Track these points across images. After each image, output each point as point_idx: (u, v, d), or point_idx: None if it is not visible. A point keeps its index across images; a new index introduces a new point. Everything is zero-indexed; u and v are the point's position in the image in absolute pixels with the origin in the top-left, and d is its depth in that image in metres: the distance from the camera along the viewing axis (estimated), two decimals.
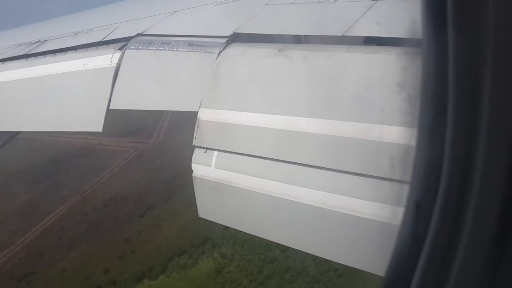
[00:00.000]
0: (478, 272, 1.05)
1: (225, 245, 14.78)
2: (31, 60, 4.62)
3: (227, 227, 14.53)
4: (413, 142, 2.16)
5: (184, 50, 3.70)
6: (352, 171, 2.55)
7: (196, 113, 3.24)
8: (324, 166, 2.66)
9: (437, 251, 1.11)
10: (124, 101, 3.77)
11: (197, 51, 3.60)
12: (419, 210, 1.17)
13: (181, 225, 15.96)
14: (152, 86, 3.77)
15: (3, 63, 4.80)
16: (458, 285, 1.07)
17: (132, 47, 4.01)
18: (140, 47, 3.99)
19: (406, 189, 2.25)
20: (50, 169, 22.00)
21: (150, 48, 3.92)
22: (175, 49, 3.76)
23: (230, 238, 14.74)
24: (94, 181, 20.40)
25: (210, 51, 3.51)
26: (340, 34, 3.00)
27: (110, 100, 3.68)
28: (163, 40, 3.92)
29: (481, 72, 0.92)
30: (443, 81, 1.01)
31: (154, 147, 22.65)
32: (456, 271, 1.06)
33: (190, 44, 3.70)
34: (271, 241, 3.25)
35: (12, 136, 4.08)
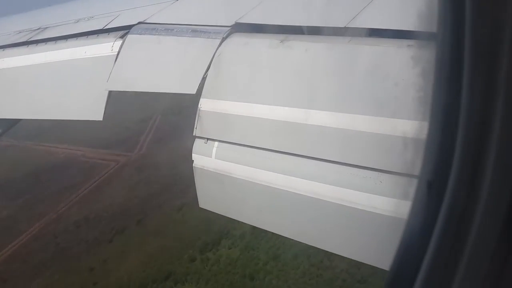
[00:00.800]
0: (492, 252, 1.03)
1: (188, 282, 13.78)
2: (32, 47, 4.60)
3: (193, 260, 14.33)
4: (417, 135, 2.16)
5: (187, 36, 3.68)
6: (353, 163, 2.54)
7: (196, 104, 3.23)
8: (325, 158, 2.66)
9: (449, 232, 1.09)
10: (122, 83, 3.76)
11: (200, 37, 3.58)
12: (431, 189, 1.15)
13: (148, 255, 15.19)
14: (151, 68, 3.76)
15: (3, 50, 4.78)
16: (471, 266, 1.05)
17: (134, 33, 4.00)
18: (143, 32, 3.98)
19: (407, 182, 2.25)
20: (30, 182, 21.12)
21: (153, 33, 3.90)
22: (178, 35, 3.74)
23: (195, 274, 13.99)
24: (71, 198, 19.55)
25: (214, 37, 3.49)
26: (343, 26, 2.98)
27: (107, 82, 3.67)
28: (166, 27, 3.90)
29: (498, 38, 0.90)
30: (456, 64, 0.99)
31: (135, 161, 21.94)
32: (470, 250, 1.04)
33: (194, 31, 3.68)
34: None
35: (12, 123, 4.05)
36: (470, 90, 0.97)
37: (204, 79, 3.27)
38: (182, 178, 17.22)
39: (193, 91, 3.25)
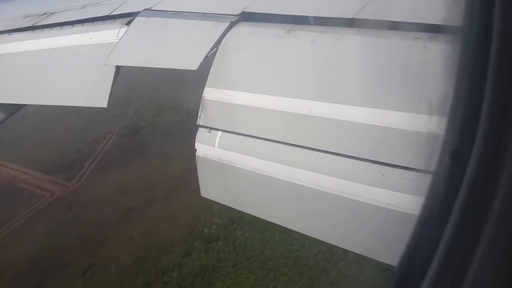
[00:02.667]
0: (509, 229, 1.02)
1: None
2: (37, 32, 4.59)
3: None
4: (419, 129, 2.14)
5: (195, 19, 3.69)
6: (356, 156, 2.53)
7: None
8: (328, 150, 2.65)
9: (472, 202, 1.07)
10: (122, 58, 3.76)
11: (209, 21, 3.58)
12: (455, 160, 1.13)
13: None
14: (155, 45, 3.77)
15: (9, 34, 4.77)
16: (494, 236, 1.03)
17: (142, 16, 4.00)
18: (151, 15, 3.97)
19: (409, 176, 2.23)
20: None
21: (162, 16, 3.91)
22: (186, 18, 3.74)
23: None
24: None
25: (222, 21, 3.49)
26: (350, 17, 2.95)
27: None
28: (175, 12, 3.89)
29: None
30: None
31: (69, 195, 19.86)
32: (490, 230, 1.02)
33: (204, 15, 3.68)
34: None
35: (17, 108, 4.05)
36: (495, 60, 0.95)
37: (207, 58, 3.25)
38: (104, 226, 16.43)
39: (194, 67, 3.23)
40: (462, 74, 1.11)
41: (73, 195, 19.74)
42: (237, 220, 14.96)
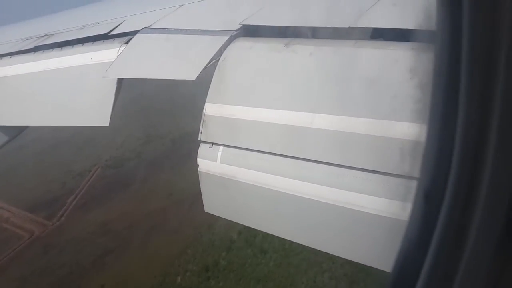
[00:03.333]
0: (488, 265, 1.04)
1: None
2: (38, 54, 4.64)
3: None
4: (419, 138, 2.14)
5: (195, 34, 3.74)
6: (358, 167, 2.53)
7: (203, 108, 3.24)
8: (330, 162, 2.65)
9: (446, 242, 1.09)
10: (122, 70, 3.78)
11: (208, 35, 3.63)
12: (428, 201, 1.16)
13: None
14: (154, 58, 3.81)
15: (10, 57, 4.82)
16: (467, 277, 1.05)
17: (143, 32, 4.05)
18: (152, 32, 4.02)
19: (410, 184, 2.23)
20: None
21: (163, 32, 3.96)
22: (186, 34, 3.79)
23: None
24: None
25: (221, 34, 3.54)
26: (347, 26, 2.97)
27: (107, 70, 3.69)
28: (174, 30, 3.94)
29: (493, 64, 0.90)
30: (455, 72, 0.99)
31: (48, 235, 19.07)
32: (466, 261, 1.04)
33: (203, 30, 3.73)
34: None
35: (19, 130, 4.08)
36: (467, 100, 0.97)
37: (206, 69, 3.27)
38: (77, 272, 15.84)
39: (193, 77, 3.24)
40: (432, 119, 1.15)
41: (51, 236, 18.99)
42: (212, 267, 14.32)
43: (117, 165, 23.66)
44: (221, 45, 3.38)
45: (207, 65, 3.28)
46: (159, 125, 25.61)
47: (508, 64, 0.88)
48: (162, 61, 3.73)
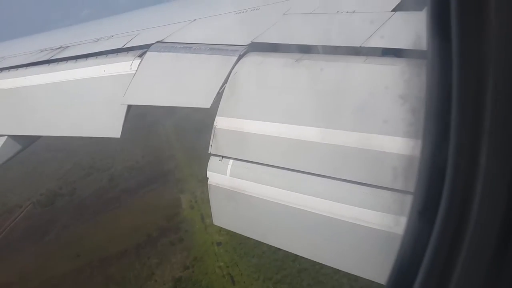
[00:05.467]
0: (480, 280, 1.05)
1: None
2: (53, 65, 4.73)
3: None
4: (418, 153, 2.16)
5: (205, 53, 3.75)
6: (369, 183, 2.53)
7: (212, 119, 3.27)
8: (341, 178, 2.65)
9: (439, 258, 1.12)
10: (138, 97, 3.84)
11: (218, 55, 3.64)
12: (422, 217, 1.18)
13: None
14: (168, 83, 3.83)
15: (26, 68, 4.92)
16: None
17: (153, 50, 4.09)
18: (162, 50, 4.07)
19: (408, 198, 2.23)
20: None
21: (172, 51, 3.99)
22: (196, 53, 3.81)
23: None
24: None
25: (231, 54, 3.56)
26: (358, 45, 3.00)
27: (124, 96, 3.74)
28: (184, 46, 3.98)
29: (482, 82, 0.93)
30: (446, 90, 1.03)
31: None
32: (458, 278, 1.06)
33: (212, 49, 3.75)
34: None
35: (32, 140, 4.14)
36: (458, 123, 1.00)
37: (219, 94, 3.31)
38: None
39: (207, 105, 3.29)
40: (425, 140, 1.20)
41: None
42: None
43: (47, 203, 24.29)
44: (230, 67, 3.42)
45: (219, 90, 3.33)
46: (106, 155, 26.96)
47: (497, 89, 0.92)
48: (175, 87, 3.76)
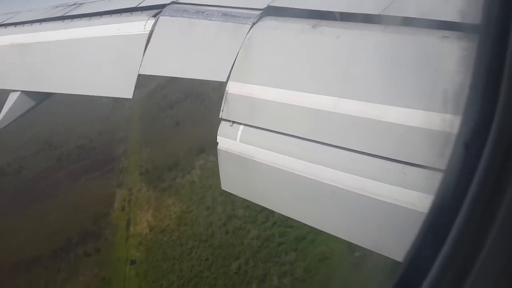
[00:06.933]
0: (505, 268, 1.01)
1: None
2: (67, 22, 4.68)
3: None
4: (442, 128, 2.11)
5: (218, 20, 3.66)
6: (378, 154, 2.51)
7: (223, 86, 3.24)
8: (350, 148, 2.63)
9: (482, 196, 1.05)
10: (154, 67, 3.80)
11: (231, 22, 3.56)
12: (468, 150, 1.12)
13: None
14: (183, 54, 3.77)
15: (40, 24, 4.88)
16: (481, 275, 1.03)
17: (167, 14, 4.01)
18: (174, 14, 3.98)
19: (431, 175, 2.21)
20: None
21: (184, 16, 3.90)
22: (209, 19, 3.73)
23: None
24: None
25: (244, 22, 3.47)
26: (377, 13, 2.91)
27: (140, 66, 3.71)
28: (198, 9, 3.89)
29: None
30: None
31: None
32: (483, 259, 1.02)
33: (224, 14, 3.66)
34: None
35: (45, 97, 4.17)
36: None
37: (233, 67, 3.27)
38: None
39: (223, 78, 3.25)
40: (478, 70, 1.09)
41: None
42: None
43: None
44: (244, 36, 3.35)
45: (234, 62, 3.27)
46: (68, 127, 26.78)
47: None
48: (189, 58, 3.70)
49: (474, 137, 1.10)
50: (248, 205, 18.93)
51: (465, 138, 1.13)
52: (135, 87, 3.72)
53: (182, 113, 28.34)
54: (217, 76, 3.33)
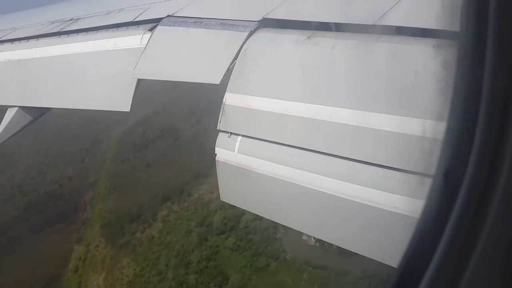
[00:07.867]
0: (506, 248, 1.02)
1: None
2: (63, 37, 4.71)
3: None
4: (439, 136, 2.13)
5: (215, 29, 3.71)
6: (375, 163, 2.52)
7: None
8: (347, 156, 2.65)
9: (464, 222, 1.07)
10: (148, 71, 3.83)
11: (228, 30, 3.61)
12: (448, 179, 1.13)
13: None
14: (178, 58, 3.81)
15: (37, 40, 4.91)
16: (482, 265, 1.04)
17: (163, 25, 4.06)
18: (171, 24, 4.03)
19: (414, 179, 2.22)
20: None
21: (182, 26, 3.95)
22: (206, 28, 3.77)
23: None
24: None
25: (241, 30, 3.52)
26: (371, 23, 2.94)
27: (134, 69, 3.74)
28: (195, 20, 3.94)
29: None
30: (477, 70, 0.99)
31: None
32: (482, 247, 1.02)
33: (222, 24, 3.71)
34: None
35: (42, 112, 4.18)
36: (490, 89, 0.96)
37: (229, 71, 3.29)
38: None
39: (217, 81, 3.27)
40: (456, 95, 1.13)
41: None
42: None
43: None
44: (241, 43, 3.39)
45: (229, 67, 3.30)
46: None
47: None
48: (185, 62, 3.74)
49: (460, 145, 1.12)
50: (203, 270, 19.41)
51: (452, 147, 1.15)
52: (132, 99, 3.73)
53: (156, 152, 28.82)
54: (211, 79, 3.36)
